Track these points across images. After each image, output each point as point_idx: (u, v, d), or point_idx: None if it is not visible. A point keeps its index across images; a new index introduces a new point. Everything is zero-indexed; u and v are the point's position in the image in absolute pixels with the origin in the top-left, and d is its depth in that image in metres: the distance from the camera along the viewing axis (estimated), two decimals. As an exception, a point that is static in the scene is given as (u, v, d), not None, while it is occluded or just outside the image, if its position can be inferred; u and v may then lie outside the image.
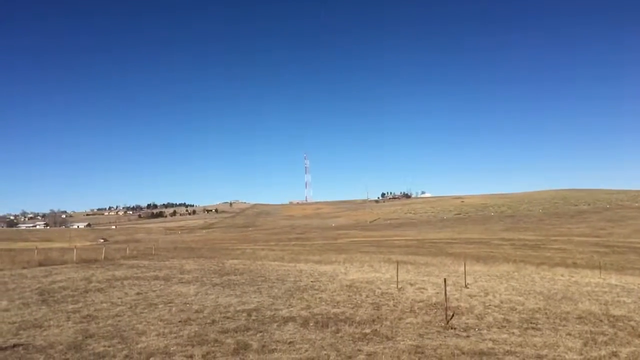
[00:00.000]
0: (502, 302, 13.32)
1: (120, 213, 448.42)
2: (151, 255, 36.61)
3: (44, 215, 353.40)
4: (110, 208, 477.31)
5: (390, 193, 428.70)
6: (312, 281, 17.91)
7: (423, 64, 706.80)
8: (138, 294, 14.41)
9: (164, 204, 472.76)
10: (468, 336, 9.23)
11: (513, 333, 9.54)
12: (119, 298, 13.55)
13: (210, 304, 12.55)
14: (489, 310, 12.01)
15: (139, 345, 8.29)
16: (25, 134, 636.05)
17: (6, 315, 11.03)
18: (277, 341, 8.67)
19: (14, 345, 8.24)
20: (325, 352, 7.95)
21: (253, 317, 10.87)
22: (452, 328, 9.91)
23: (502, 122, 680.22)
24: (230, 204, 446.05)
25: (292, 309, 12.01)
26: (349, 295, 14.31)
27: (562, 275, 22.10)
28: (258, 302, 13.01)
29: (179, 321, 10.35)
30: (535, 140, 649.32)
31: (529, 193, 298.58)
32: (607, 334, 9.55)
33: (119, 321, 10.34)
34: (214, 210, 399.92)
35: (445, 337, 9.13)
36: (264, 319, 10.74)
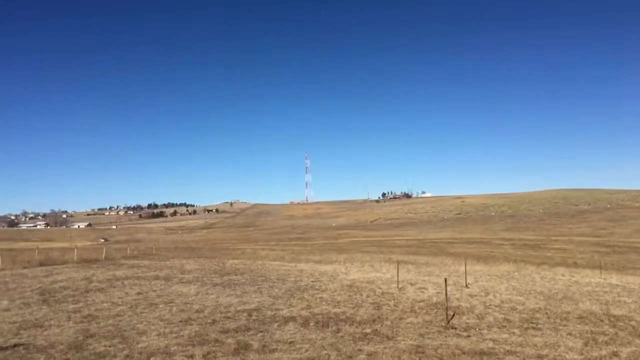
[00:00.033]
0: (502, 302, 13.32)
1: (121, 213, 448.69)
2: (152, 255, 36.64)
3: (44, 215, 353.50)
4: (110, 208, 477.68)
5: (391, 193, 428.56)
6: (312, 281, 17.92)
7: (423, 64, 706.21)
8: (139, 293, 14.42)
9: (164, 204, 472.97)
10: (469, 336, 9.23)
11: (514, 333, 9.54)
12: (119, 298, 13.57)
13: (211, 304, 12.55)
14: (490, 310, 12.01)
15: (140, 345, 8.29)
16: (25, 134, 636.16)
17: (7, 315, 11.05)
18: (278, 341, 8.67)
19: (15, 345, 8.26)
20: (325, 351, 7.95)
21: (254, 317, 10.87)
22: (452, 328, 9.91)
23: (502, 122, 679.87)
24: (231, 203, 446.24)
25: (292, 308, 12.01)
26: (349, 295, 14.31)
27: (562, 275, 22.08)
28: (259, 302, 13.02)
29: (180, 321, 10.36)
30: (535, 140, 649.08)
31: (530, 193, 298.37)
32: (608, 334, 9.54)
33: (120, 321, 10.35)
34: (214, 210, 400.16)
35: (445, 336, 9.13)
36: (265, 318, 10.75)
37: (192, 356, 7.68)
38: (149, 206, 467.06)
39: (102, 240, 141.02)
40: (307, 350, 8.04)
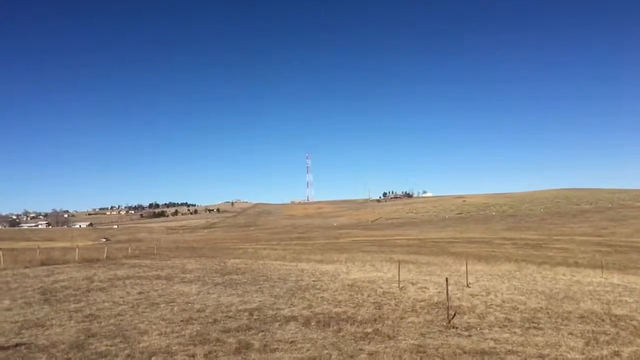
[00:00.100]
0: (503, 302, 13.31)
1: (122, 212, 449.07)
2: (153, 254, 36.69)
3: (46, 215, 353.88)
4: (112, 207, 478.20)
5: (392, 192, 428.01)
6: (313, 280, 17.93)
7: (423, 64, 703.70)
8: (140, 293, 14.44)
9: (165, 204, 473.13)
10: (470, 335, 9.22)
11: (515, 332, 9.54)
12: (120, 297, 13.58)
13: (212, 304, 12.57)
14: (491, 310, 12.01)
15: (141, 345, 8.30)
16: (26, 134, 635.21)
17: (8, 314, 11.07)
18: (279, 340, 8.68)
19: (17, 345, 8.27)
20: (327, 351, 7.95)
21: (255, 317, 10.88)
22: (453, 327, 9.91)
23: (503, 122, 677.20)
24: (232, 203, 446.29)
25: (293, 308, 12.02)
26: (350, 295, 14.32)
27: (564, 275, 22.06)
28: (260, 301, 13.03)
29: (181, 320, 10.37)
30: (536, 140, 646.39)
31: (531, 192, 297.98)
32: (609, 334, 9.53)
33: (121, 320, 10.37)
34: (215, 210, 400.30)
35: (447, 336, 9.13)
36: (266, 318, 10.76)
37: (193, 355, 7.68)
38: (150, 206, 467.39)
39: (104, 239, 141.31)
40: (308, 350, 8.04)
